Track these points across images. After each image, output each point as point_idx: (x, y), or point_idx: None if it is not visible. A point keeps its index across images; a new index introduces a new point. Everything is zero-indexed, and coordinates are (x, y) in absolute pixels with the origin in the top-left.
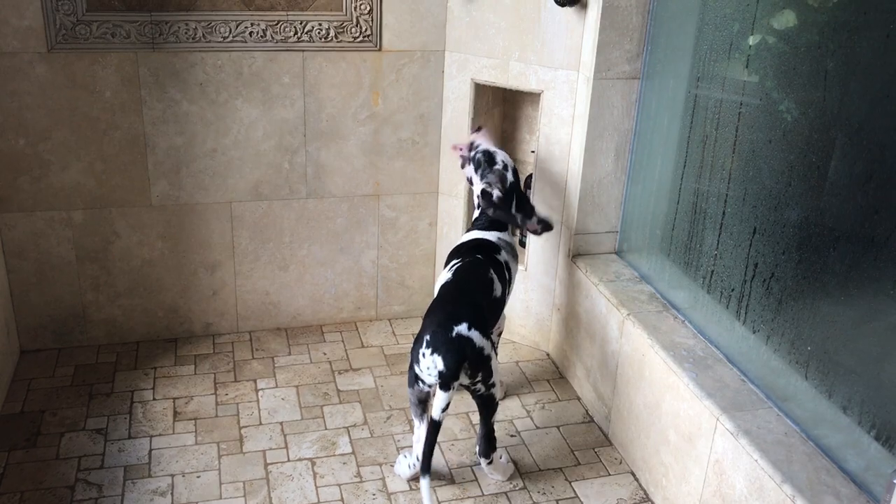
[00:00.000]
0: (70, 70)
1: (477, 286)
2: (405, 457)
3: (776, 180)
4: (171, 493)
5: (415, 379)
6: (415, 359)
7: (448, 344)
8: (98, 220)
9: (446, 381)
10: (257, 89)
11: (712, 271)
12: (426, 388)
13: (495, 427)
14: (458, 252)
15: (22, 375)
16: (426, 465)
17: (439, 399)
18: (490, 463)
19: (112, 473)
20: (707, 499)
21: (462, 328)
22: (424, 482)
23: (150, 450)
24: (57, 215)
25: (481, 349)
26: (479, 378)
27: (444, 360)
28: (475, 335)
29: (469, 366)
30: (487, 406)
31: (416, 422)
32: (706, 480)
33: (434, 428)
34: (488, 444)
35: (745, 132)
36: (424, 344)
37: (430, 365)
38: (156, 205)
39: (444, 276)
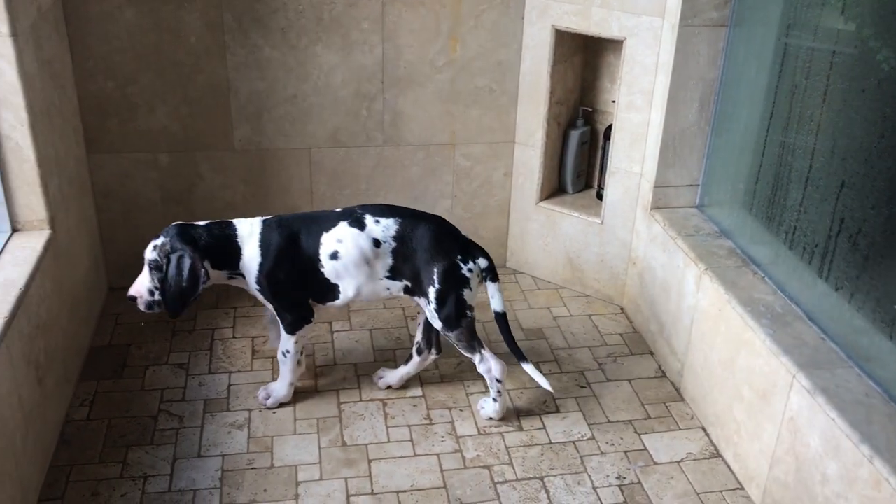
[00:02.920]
0: (157, 15)
1: None
2: (487, 400)
3: (868, 132)
4: (248, 427)
5: (464, 309)
6: (462, 285)
7: (474, 245)
8: (183, 162)
9: (495, 270)
10: (337, 35)
11: (795, 226)
12: (473, 312)
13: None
14: None
15: (110, 310)
16: (520, 354)
17: (497, 292)
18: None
19: (192, 406)
20: (780, 456)
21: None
22: (528, 366)
23: (229, 385)
24: (143, 157)
25: None
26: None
27: (483, 254)
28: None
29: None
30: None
31: (483, 352)
32: (779, 438)
33: (505, 319)
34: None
35: (838, 82)
36: (462, 262)
37: (476, 269)
38: (238, 149)
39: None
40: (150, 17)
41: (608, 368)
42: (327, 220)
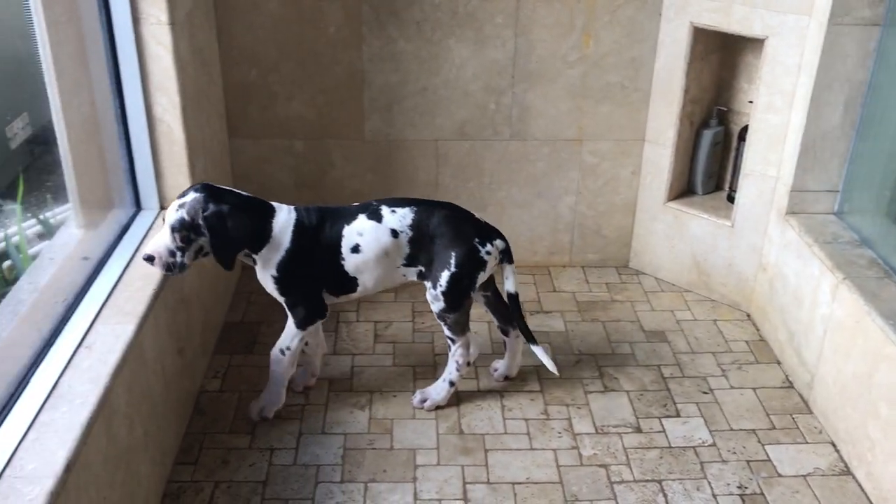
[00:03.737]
0: (299, 5)
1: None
2: (438, 384)
3: None
4: (369, 408)
5: (469, 292)
6: (479, 268)
7: (490, 226)
8: (317, 150)
9: (510, 251)
10: (470, 29)
11: None
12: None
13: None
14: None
15: (242, 289)
16: (531, 337)
17: (511, 273)
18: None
19: (318, 384)
20: None
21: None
22: (538, 349)
23: (352, 366)
24: (280, 143)
25: None
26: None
27: (500, 236)
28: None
29: None
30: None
31: (468, 334)
32: None
33: (517, 301)
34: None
35: None
36: (480, 245)
37: (494, 251)
38: (368, 139)
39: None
40: (293, 7)
41: (732, 375)
42: (348, 214)
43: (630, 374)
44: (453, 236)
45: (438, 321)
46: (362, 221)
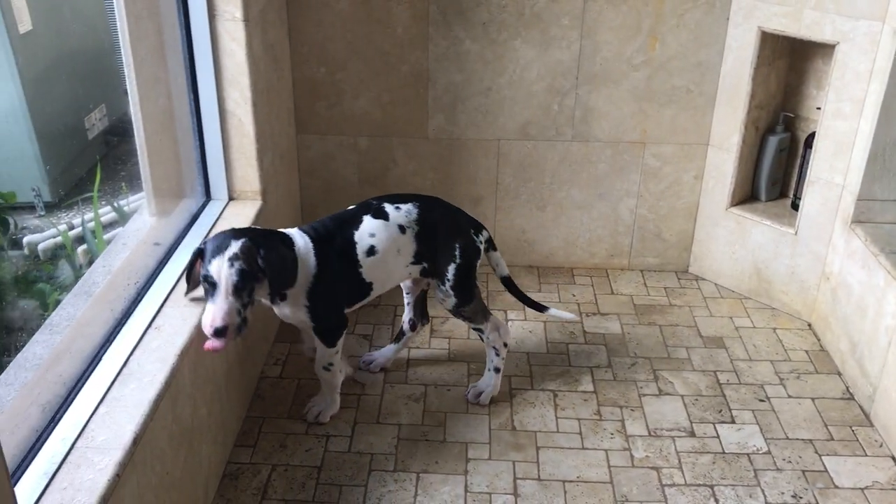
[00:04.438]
0: (369, 5)
1: None
2: (485, 377)
3: None
4: (424, 401)
5: (475, 280)
6: (477, 257)
7: (472, 218)
8: (380, 147)
9: (493, 240)
10: (536, 30)
11: None
12: None
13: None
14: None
15: None
16: (539, 305)
17: (499, 258)
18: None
19: (374, 376)
20: None
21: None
22: (552, 310)
23: (408, 359)
24: (346, 140)
25: None
26: None
27: (483, 226)
28: None
29: None
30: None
31: (492, 318)
32: None
33: (512, 281)
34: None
35: None
36: (477, 236)
37: (483, 240)
38: (431, 137)
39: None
40: (363, 7)
41: (790, 384)
42: (351, 218)
43: (685, 379)
44: (454, 228)
45: (457, 318)
46: (370, 223)
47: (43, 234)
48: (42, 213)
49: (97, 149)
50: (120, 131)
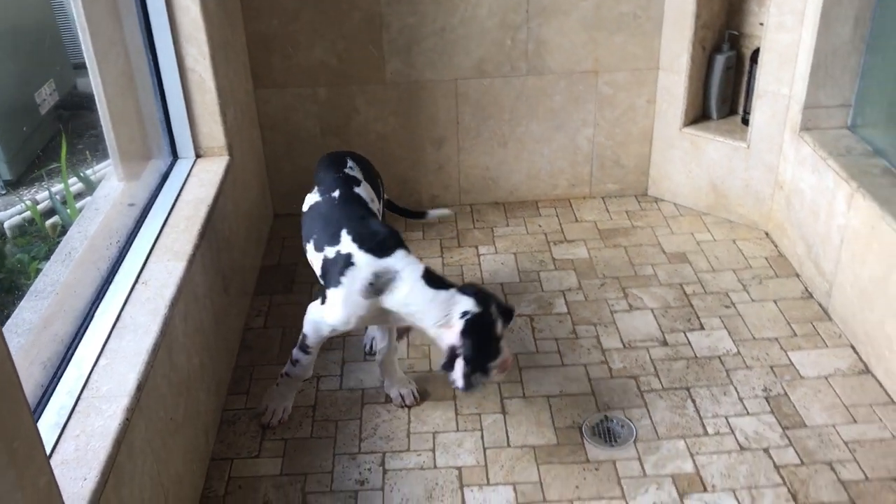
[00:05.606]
0: None
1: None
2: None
3: None
4: (407, 336)
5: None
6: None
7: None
8: (340, 96)
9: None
10: None
11: None
12: None
13: None
14: None
15: (276, 234)
16: (418, 213)
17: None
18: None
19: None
20: None
21: None
22: (433, 211)
23: None
24: (304, 91)
25: None
26: None
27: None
28: None
29: None
30: None
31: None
32: None
33: (392, 203)
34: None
35: None
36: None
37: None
38: (389, 82)
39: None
40: None
41: (753, 290)
42: (337, 196)
43: (654, 294)
44: (373, 172)
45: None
46: (343, 191)
47: (8, 211)
48: (2, 191)
49: (52, 124)
50: (71, 104)
